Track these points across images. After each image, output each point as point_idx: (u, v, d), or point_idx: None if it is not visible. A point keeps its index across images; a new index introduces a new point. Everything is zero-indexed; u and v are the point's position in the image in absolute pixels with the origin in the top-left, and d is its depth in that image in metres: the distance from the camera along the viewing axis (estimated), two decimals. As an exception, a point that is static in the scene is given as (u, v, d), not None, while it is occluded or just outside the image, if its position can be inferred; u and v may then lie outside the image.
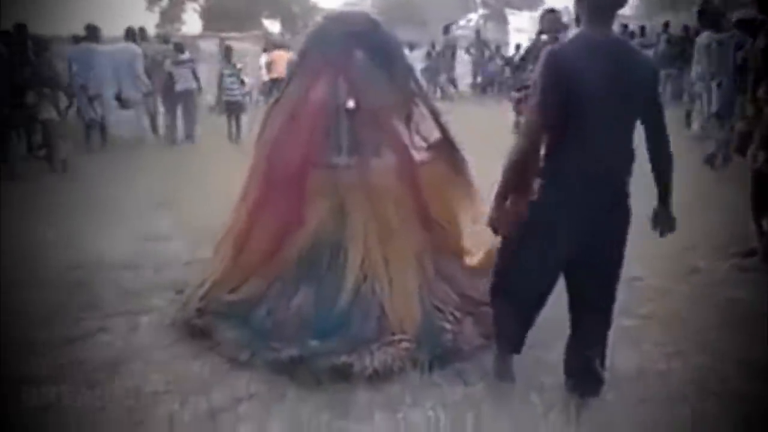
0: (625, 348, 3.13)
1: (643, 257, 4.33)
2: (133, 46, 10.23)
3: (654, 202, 2.65)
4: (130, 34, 10.50)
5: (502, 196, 2.46)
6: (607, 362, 2.69)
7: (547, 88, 2.33)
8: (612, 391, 2.74)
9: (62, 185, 7.23)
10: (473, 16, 32.31)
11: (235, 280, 3.37)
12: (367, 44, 3.48)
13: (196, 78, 10.69)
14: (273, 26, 32.94)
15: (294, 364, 2.91)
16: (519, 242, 2.51)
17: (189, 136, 10.65)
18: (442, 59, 17.07)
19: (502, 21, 21.08)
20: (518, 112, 2.96)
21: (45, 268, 4.41)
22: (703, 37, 7.47)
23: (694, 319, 3.50)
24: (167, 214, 5.68)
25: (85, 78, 9.47)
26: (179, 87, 10.42)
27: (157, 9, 33.01)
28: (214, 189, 5.24)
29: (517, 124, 2.49)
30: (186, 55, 10.93)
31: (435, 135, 3.65)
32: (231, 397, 2.81)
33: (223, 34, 17.50)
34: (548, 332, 2.84)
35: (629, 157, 2.45)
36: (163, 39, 12.84)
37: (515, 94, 3.74)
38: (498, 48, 17.13)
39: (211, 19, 30.45)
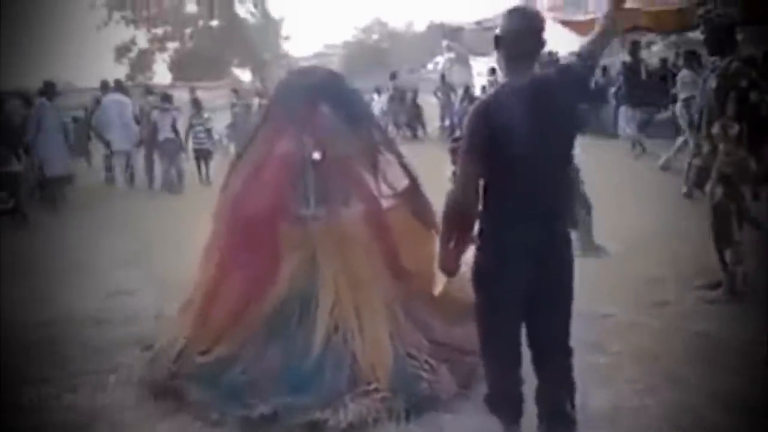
0: (598, 386, 3.15)
1: (613, 293, 4.42)
2: (123, 97, 10.51)
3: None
4: (118, 85, 10.88)
5: (446, 241, 2.51)
6: (579, 401, 2.68)
7: (473, 139, 2.41)
8: (584, 430, 2.74)
9: (28, 241, 7.09)
10: (440, 59, 33.06)
11: (205, 340, 3.31)
12: (330, 97, 3.55)
13: (175, 129, 10.88)
14: (243, 75, 33.33)
15: (267, 421, 2.86)
16: (480, 290, 2.54)
17: (178, 184, 10.76)
18: (399, 103, 17.37)
19: (466, 65, 21.58)
20: (454, 162, 3.08)
21: (11, 326, 4.30)
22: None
23: (664, 354, 3.53)
24: (135, 268, 5.61)
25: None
26: (161, 136, 10.66)
27: (126, 61, 33.21)
28: (184, 239, 5.20)
29: (453, 174, 2.60)
30: (173, 105, 11.25)
31: (402, 182, 3.69)
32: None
33: (194, 84, 17.58)
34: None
35: (565, 195, 2.52)
36: (147, 90, 13.05)
37: (452, 144, 3.83)
38: (467, 89, 17.46)
39: (181, 68, 30.69)
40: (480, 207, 2.46)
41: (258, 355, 3.14)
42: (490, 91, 2.73)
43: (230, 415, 2.93)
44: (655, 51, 14.98)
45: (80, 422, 3.09)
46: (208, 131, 11.49)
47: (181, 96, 14.98)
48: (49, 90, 9.60)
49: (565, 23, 10.93)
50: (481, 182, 2.44)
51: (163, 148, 10.65)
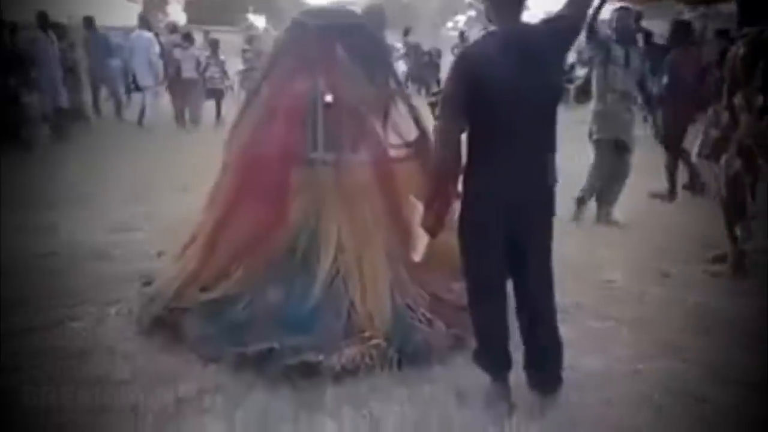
0: (594, 350, 3.17)
1: (616, 261, 4.42)
2: (148, 34, 10.90)
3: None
4: (143, 22, 11.29)
5: (431, 199, 2.52)
6: (572, 362, 2.71)
7: (456, 87, 2.40)
8: (578, 392, 2.77)
9: (35, 172, 7.11)
10: (460, 18, 32.44)
11: (208, 277, 3.32)
12: (348, 40, 3.46)
13: (197, 68, 11.40)
14: (258, 21, 32.77)
15: (262, 359, 2.88)
16: (465, 247, 2.57)
17: (195, 120, 11.37)
18: (415, 60, 17.15)
19: (487, 24, 21.15)
20: (435, 117, 3.06)
21: (15, 254, 4.35)
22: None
23: (663, 323, 3.53)
24: (140, 204, 5.63)
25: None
26: (185, 75, 11.14)
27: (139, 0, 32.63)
28: (191, 178, 5.19)
29: (434, 127, 2.58)
30: (194, 45, 11.76)
31: (412, 134, 3.64)
32: (197, 390, 2.78)
33: (207, 27, 17.31)
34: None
35: (550, 145, 2.50)
36: (169, 29, 13.35)
37: (431, 98, 3.74)
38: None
39: (196, 11, 30.21)
40: (467, 160, 2.45)
41: (259, 295, 3.15)
42: (475, 40, 2.67)
43: (226, 351, 2.95)
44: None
45: (81, 348, 3.14)
46: (224, 72, 11.93)
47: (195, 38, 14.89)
48: (41, 22, 9.54)
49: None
50: (464, 135, 2.42)
51: (184, 86, 11.11)
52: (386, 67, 3.73)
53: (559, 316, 3.43)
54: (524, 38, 2.42)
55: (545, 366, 2.61)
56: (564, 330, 3.30)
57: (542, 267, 2.58)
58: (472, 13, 24.63)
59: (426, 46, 18.46)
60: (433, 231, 2.59)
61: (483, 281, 2.60)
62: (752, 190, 4.12)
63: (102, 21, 12.60)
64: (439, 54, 17.97)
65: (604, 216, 5.33)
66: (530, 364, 2.63)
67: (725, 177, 4.17)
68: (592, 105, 5.32)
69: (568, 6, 2.52)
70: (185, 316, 3.19)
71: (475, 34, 21.65)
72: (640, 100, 5.45)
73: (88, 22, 10.92)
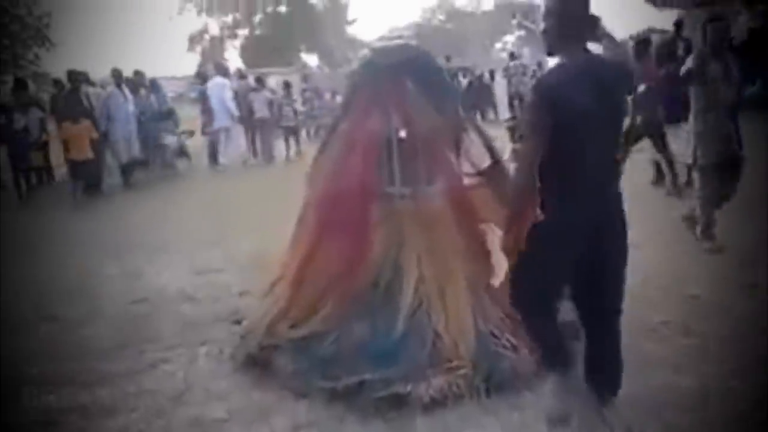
0: (685, 368, 3.09)
1: (700, 275, 4.29)
2: (223, 80, 12.07)
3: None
4: (220, 69, 12.77)
5: (512, 222, 2.57)
6: (666, 381, 2.67)
7: (539, 114, 2.46)
8: (672, 411, 2.71)
9: (114, 222, 7.49)
10: (509, 38, 32.40)
11: (296, 314, 3.42)
12: (415, 74, 3.55)
13: (270, 108, 12.54)
14: (311, 60, 33.69)
15: (351, 393, 2.94)
16: (530, 261, 2.59)
17: (268, 158, 12.35)
18: (467, 85, 17.20)
19: (538, 43, 20.99)
20: (512, 140, 3.08)
21: (108, 302, 4.60)
22: None
23: (753, 337, 3.41)
24: (220, 247, 5.84)
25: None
26: (258, 115, 12.27)
27: (198, 49, 34.12)
28: (269, 217, 5.35)
29: (514, 151, 2.62)
30: (266, 88, 13.01)
31: (485, 161, 3.68)
32: (291, 425, 2.86)
33: (264, 70, 17.98)
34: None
35: (616, 166, 2.62)
36: (240, 74, 14.35)
37: (509, 123, 3.81)
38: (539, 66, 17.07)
39: (251, 55, 31.30)
40: (540, 182, 2.50)
41: (345, 330, 3.22)
42: (550, 69, 2.71)
43: (317, 386, 3.03)
44: (742, 22, 14.15)
45: (176, 390, 3.27)
46: (295, 111, 12.84)
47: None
48: (122, 79, 10.30)
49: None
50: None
51: (257, 126, 12.28)
52: (454, 97, 3.81)
53: (647, 335, 3.41)
54: (594, 68, 2.50)
55: (608, 382, 2.68)
56: (654, 348, 3.29)
57: (616, 288, 2.64)
58: (521, 33, 24.57)
59: (477, 69, 18.49)
60: (513, 253, 2.62)
61: (542, 298, 2.66)
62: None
63: (163, 72, 13.42)
64: (492, 76, 17.97)
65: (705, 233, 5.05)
66: (591, 375, 2.71)
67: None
68: (689, 126, 4.98)
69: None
70: (276, 352, 3.29)
71: (525, 54, 21.62)
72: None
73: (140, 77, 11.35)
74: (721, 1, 10.22)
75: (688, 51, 12.46)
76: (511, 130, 3.03)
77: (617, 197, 2.60)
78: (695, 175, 5.04)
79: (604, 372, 2.69)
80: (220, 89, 11.69)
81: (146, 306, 4.54)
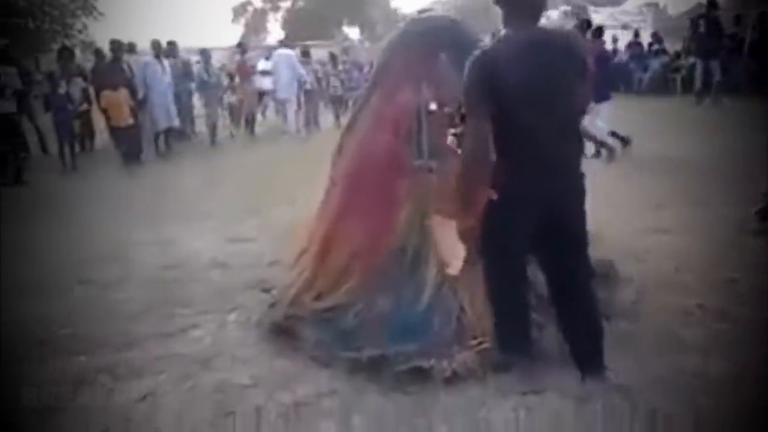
0: (720, 354, 3.00)
1: (737, 258, 4.14)
2: (290, 51, 12.34)
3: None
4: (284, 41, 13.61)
5: (465, 201, 2.61)
6: (699, 367, 2.58)
7: (474, 89, 2.49)
8: (706, 398, 2.64)
9: (153, 189, 7.62)
10: (553, 12, 31.57)
11: (320, 285, 3.43)
12: (449, 46, 3.48)
13: (317, 80, 13.20)
14: (353, 33, 33.50)
15: (374, 364, 2.95)
16: (485, 239, 2.68)
17: (316, 123, 12.87)
18: None
19: (585, 18, 20.51)
20: (450, 125, 3.09)
21: (142, 266, 4.71)
22: None
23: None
24: (254, 216, 5.89)
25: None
26: (306, 87, 12.42)
27: (242, 20, 34.26)
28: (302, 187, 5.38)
29: (453, 135, 2.67)
30: (310, 59, 13.51)
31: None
32: (314, 393, 2.88)
33: (306, 43, 17.93)
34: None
35: (577, 140, 2.61)
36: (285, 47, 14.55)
37: (447, 110, 3.72)
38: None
39: (293, 27, 31.28)
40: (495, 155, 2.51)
41: (370, 302, 3.22)
42: (490, 44, 2.70)
43: (340, 356, 3.04)
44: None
45: (204, 355, 3.32)
46: (342, 81, 13.13)
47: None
48: (160, 48, 10.42)
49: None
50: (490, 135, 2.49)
51: (306, 97, 12.49)
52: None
53: (681, 319, 3.32)
54: (540, 41, 2.50)
55: (587, 352, 2.72)
56: (688, 333, 3.21)
57: (579, 253, 2.66)
58: (567, 7, 23.93)
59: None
60: (467, 237, 2.68)
61: (504, 269, 2.72)
62: None
63: (209, 42, 13.57)
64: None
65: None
66: (574, 351, 2.76)
67: None
68: None
69: None
70: (301, 323, 3.31)
71: (569, 27, 21.07)
72: None
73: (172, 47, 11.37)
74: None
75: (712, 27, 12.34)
76: (450, 116, 2.97)
77: (576, 170, 2.59)
78: None
79: (580, 343, 2.72)
80: (288, 60, 11.86)
81: (178, 272, 4.61)
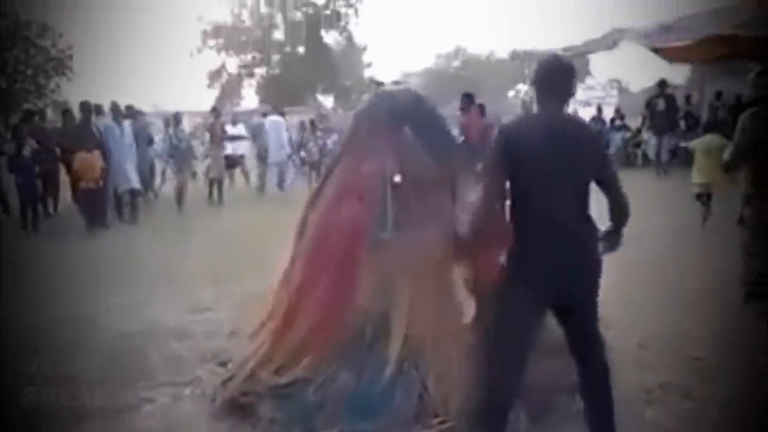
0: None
1: (704, 337, 4.16)
2: (280, 118, 13.22)
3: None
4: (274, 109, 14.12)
5: (481, 252, 2.80)
6: None
7: (495, 156, 2.67)
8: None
9: (119, 254, 7.47)
10: (522, 87, 32.73)
11: (279, 360, 3.34)
12: (413, 119, 3.56)
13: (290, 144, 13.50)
14: (327, 101, 34.12)
15: (333, 443, 2.84)
16: (501, 302, 2.67)
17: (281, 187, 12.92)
18: None
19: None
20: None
21: (103, 334, 4.54)
22: None
23: (756, 401, 3.28)
24: (217, 284, 5.78)
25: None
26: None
27: (217, 86, 34.66)
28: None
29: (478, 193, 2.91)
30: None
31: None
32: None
33: (279, 109, 18.12)
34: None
35: (586, 218, 2.69)
36: (263, 114, 15.07)
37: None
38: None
39: (267, 93, 31.73)
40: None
41: (329, 379, 3.14)
42: (518, 117, 3.00)
43: (299, 435, 2.93)
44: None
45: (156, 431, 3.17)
46: (320, 147, 13.48)
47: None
48: (115, 111, 10.41)
49: (655, 50, 10.55)
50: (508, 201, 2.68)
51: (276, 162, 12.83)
52: (450, 142, 3.80)
53: (644, 398, 3.30)
54: (563, 125, 2.70)
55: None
56: (652, 413, 3.17)
57: (590, 325, 2.72)
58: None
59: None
60: (493, 277, 2.71)
61: (512, 340, 2.63)
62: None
63: (180, 106, 13.70)
64: (499, 121, 18.19)
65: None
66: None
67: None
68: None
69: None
70: (257, 399, 3.20)
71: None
72: None
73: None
74: (736, 56, 10.23)
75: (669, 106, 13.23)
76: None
77: (590, 245, 2.68)
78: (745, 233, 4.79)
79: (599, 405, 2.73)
80: (278, 126, 12.62)
81: (137, 340, 4.46)
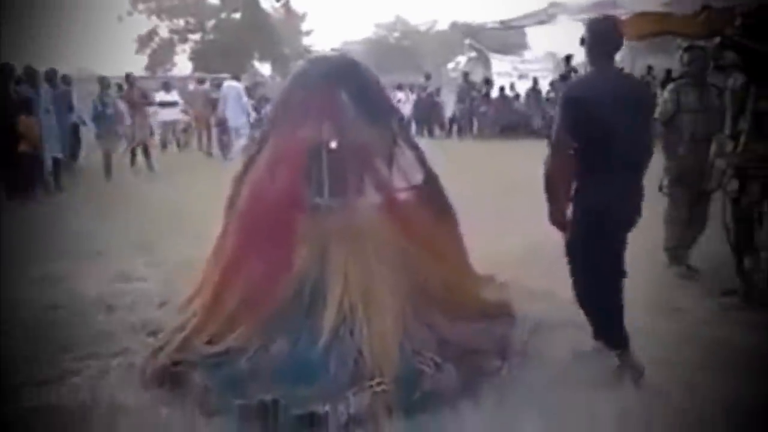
0: (609, 390, 3.08)
1: (628, 299, 4.32)
2: (238, 84, 13.09)
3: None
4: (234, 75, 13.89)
5: (552, 199, 3.19)
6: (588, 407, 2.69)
7: (565, 116, 3.11)
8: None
9: (44, 223, 7.14)
10: (462, 59, 32.95)
11: (212, 329, 3.27)
12: (349, 85, 3.51)
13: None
14: (263, 68, 33.36)
15: (266, 410, 2.80)
16: (580, 234, 3.19)
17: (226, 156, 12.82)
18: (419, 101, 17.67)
19: (488, 64, 21.57)
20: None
21: (25, 307, 4.34)
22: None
23: (679, 360, 3.45)
24: (146, 253, 5.62)
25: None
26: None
27: (147, 51, 33.35)
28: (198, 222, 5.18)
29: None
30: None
31: (418, 176, 3.64)
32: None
33: (215, 75, 17.61)
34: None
35: (647, 150, 3.26)
36: (198, 80, 15.44)
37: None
38: (486, 84, 17.68)
39: (202, 60, 30.80)
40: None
41: (265, 345, 3.10)
42: (578, 79, 3.76)
43: (230, 404, 2.88)
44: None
45: (81, 405, 3.06)
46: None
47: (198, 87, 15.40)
48: (29, 76, 9.75)
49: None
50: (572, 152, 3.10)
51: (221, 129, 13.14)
52: (388, 109, 3.77)
53: (573, 356, 3.41)
54: (618, 78, 3.25)
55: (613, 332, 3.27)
56: (579, 371, 3.29)
57: (618, 264, 3.25)
58: (473, 54, 25.01)
59: (430, 86, 18.73)
60: (561, 224, 3.21)
61: (595, 275, 3.23)
62: (759, 221, 4.07)
63: (109, 71, 13.11)
64: (438, 92, 18.33)
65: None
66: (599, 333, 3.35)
67: (730, 206, 4.14)
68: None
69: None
70: (189, 368, 3.13)
71: (477, 74, 22.08)
72: None
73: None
74: (666, 33, 10.56)
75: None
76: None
77: (640, 175, 3.23)
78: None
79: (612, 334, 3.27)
80: (236, 92, 12.62)
81: (62, 313, 4.28)
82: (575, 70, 13.87)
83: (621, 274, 3.25)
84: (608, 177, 3.05)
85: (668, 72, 13.24)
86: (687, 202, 4.82)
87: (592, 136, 3.00)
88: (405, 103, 16.43)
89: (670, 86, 4.91)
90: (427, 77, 19.05)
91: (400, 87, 17.27)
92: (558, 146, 3.11)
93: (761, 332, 3.74)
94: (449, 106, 18.32)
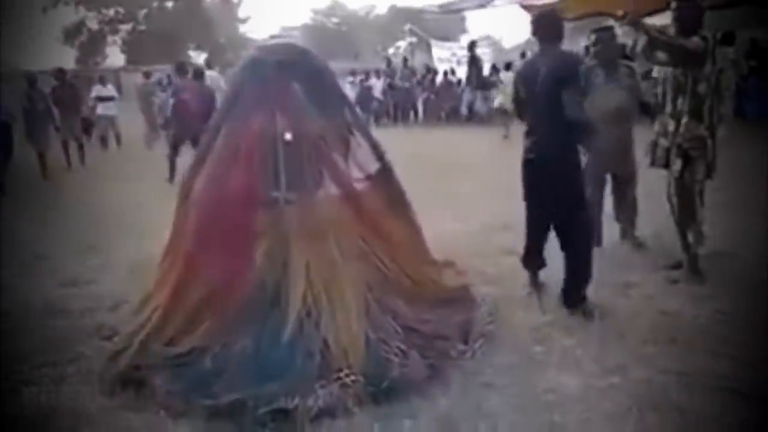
0: (569, 368, 3.19)
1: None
2: (218, 74, 13.67)
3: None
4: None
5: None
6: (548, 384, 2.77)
7: (513, 88, 4.22)
8: (559, 413, 2.78)
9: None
10: (402, 44, 32.96)
11: (173, 330, 3.20)
12: (301, 75, 3.46)
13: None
14: (199, 58, 32.52)
15: (234, 409, 2.77)
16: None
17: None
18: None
19: (428, 50, 21.69)
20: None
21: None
22: None
23: (631, 334, 3.58)
24: (94, 255, 5.42)
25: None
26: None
27: (76, 43, 32.01)
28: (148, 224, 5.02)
29: None
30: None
31: (373, 165, 3.64)
32: (169, 449, 2.66)
33: (146, 68, 17.05)
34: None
35: (567, 122, 3.74)
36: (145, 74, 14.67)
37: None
38: (428, 71, 17.84)
39: (135, 51, 29.80)
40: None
41: (228, 343, 3.05)
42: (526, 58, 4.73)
43: (196, 404, 2.83)
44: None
45: (41, 415, 2.95)
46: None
47: (131, 79, 14.89)
48: None
49: (525, 7, 10.95)
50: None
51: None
52: (341, 99, 3.74)
53: (535, 335, 3.50)
54: (553, 56, 3.84)
55: (574, 289, 3.89)
56: (539, 350, 3.38)
57: (575, 202, 3.88)
58: (413, 39, 25.09)
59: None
60: None
61: (531, 207, 4.05)
62: (701, 195, 4.26)
63: (37, 65, 12.54)
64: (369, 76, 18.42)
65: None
66: (566, 288, 3.94)
67: (674, 183, 4.30)
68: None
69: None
70: (151, 371, 3.05)
71: (418, 59, 22.17)
72: None
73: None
74: (598, 14, 10.80)
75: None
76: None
77: (571, 144, 3.84)
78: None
79: (572, 290, 3.92)
80: (217, 81, 12.49)
81: (8, 321, 4.09)
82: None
83: (582, 206, 3.89)
84: (542, 133, 3.80)
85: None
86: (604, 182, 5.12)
87: (528, 100, 3.90)
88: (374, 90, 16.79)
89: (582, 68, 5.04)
90: (388, 63, 19.42)
91: (353, 74, 17.37)
92: (513, 104, 4.27)
93: (706, 303, 3.92)
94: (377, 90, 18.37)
